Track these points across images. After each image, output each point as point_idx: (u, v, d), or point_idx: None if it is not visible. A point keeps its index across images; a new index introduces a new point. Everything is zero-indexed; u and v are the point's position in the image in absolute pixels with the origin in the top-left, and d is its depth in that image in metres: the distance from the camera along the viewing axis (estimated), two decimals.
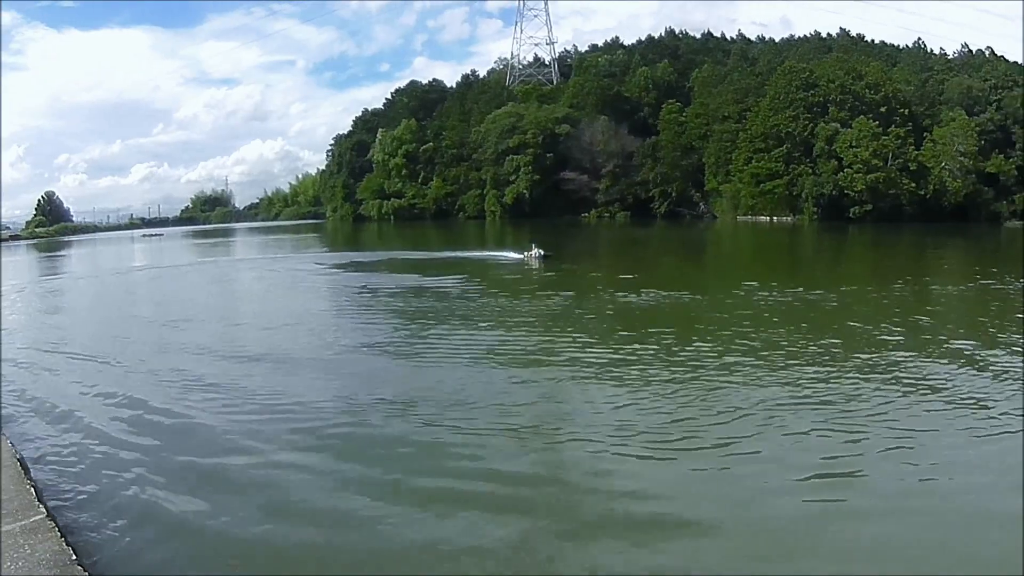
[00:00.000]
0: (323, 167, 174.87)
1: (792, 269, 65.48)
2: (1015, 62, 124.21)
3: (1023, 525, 12.93)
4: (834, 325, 33.70)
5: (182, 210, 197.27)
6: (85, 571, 11.68)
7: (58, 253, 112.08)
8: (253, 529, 14.48)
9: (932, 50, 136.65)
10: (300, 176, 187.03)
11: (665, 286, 47.50)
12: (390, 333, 34.19)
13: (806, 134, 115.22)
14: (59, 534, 12.70)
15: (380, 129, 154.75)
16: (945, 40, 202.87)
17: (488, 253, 74.77)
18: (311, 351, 30.45)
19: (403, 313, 40.32)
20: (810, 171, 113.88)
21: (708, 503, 14.98)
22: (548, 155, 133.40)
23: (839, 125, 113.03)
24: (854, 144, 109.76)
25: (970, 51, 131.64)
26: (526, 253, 64.17)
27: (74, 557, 11.97)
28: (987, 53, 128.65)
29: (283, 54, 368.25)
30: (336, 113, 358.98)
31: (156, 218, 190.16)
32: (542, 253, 62.94)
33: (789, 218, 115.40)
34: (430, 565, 13.01)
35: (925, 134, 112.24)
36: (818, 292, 45.57)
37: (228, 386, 25.15)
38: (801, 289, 45.67)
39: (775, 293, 43.72)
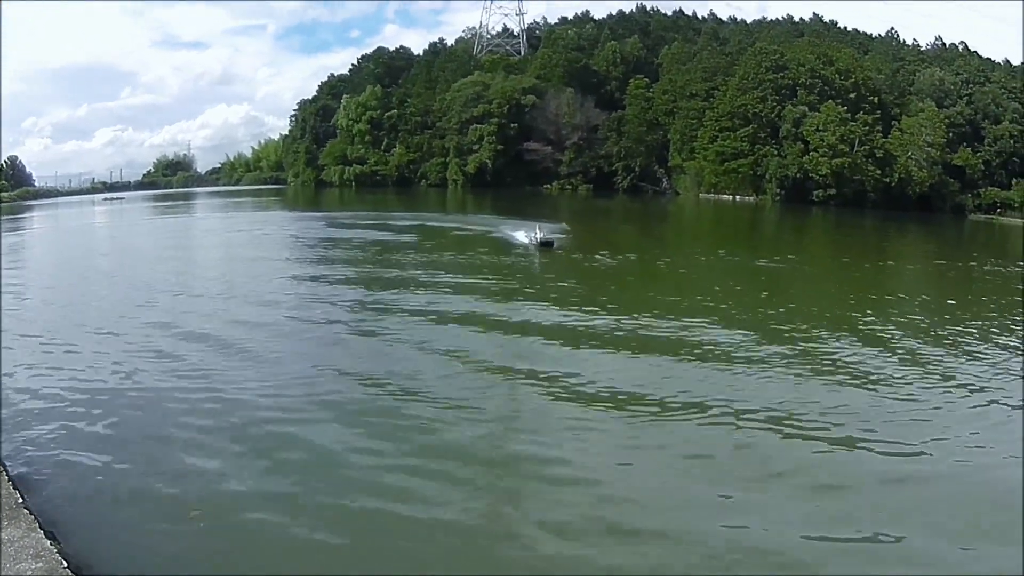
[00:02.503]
0: (287, 132, 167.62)
1: (757, 242, 68.46)
2: (988, 58, 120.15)
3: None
4: (789, 290, 39.88)
5: (144, 174, 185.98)
6: (31, 513, 12.44)
7: (19, 216, 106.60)
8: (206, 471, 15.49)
9: (905, 41, 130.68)
10: (263, 141, 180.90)
11: (637, 250, 55.32)
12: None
13: (773, 116, 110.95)
14: (7, 478, 13.90)
15: (345, 95, 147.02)
16: (918, 32, 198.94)
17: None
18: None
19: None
20: (775, 152, 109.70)
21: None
22: (512, 125, 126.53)
23: (807, 108, 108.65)
24: (821, 128, 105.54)
25: (943, 44, 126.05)
26: (532, 236, 53.18)
27: (21, 500, 12.92)
28: (960, 47, 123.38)
29: (253, 18, 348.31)
30: (304, 79, 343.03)
31: (118, 182, 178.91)
32: (539, 237, 51.70)
33: (752, 198, 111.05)
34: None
35: (893, 123, 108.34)
36: (780, 262, 50.87)
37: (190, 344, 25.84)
38: (773, 259, 50.91)
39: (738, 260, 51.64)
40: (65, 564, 10.83)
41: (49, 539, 11.45)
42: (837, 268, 52.07)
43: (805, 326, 29.57)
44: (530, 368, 22.73)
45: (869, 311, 33.31)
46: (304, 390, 20.47)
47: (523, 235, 56.02)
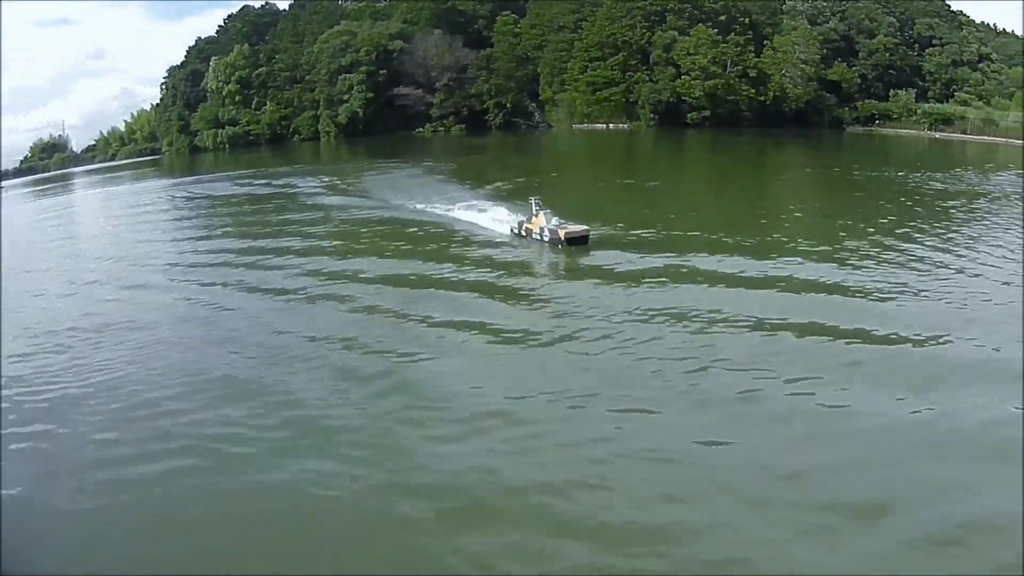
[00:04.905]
0: (159, 101, 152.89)
1: (634, 165, 71.76)
2: None
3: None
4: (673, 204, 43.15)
5: (21, 160, 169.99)
6: None
7: None
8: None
9: None
10: (135, 113, 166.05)
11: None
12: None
13: (643, 42, 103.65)
14: None
15: (214, 57, 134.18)
16: None
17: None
18: None
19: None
20: (647, 78, 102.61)
21: None
22: (381, 72, 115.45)
23: (677, 33, 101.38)
24: (692, 52, 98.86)
25: None
26: (525, 224, 34.78)
27: None
28: None
29: None
30: (174, 46, 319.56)
31: None
32: (558, 224, 32.82)
33: (625, 124, 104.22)
34: None
35: (766, 42, 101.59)
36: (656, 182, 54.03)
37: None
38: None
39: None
40: None
41: None
42: (716, 184, 56.05)
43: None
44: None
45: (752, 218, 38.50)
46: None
47: (492, 219, 38.59)
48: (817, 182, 56.49)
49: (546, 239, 32.68)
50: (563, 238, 31.82)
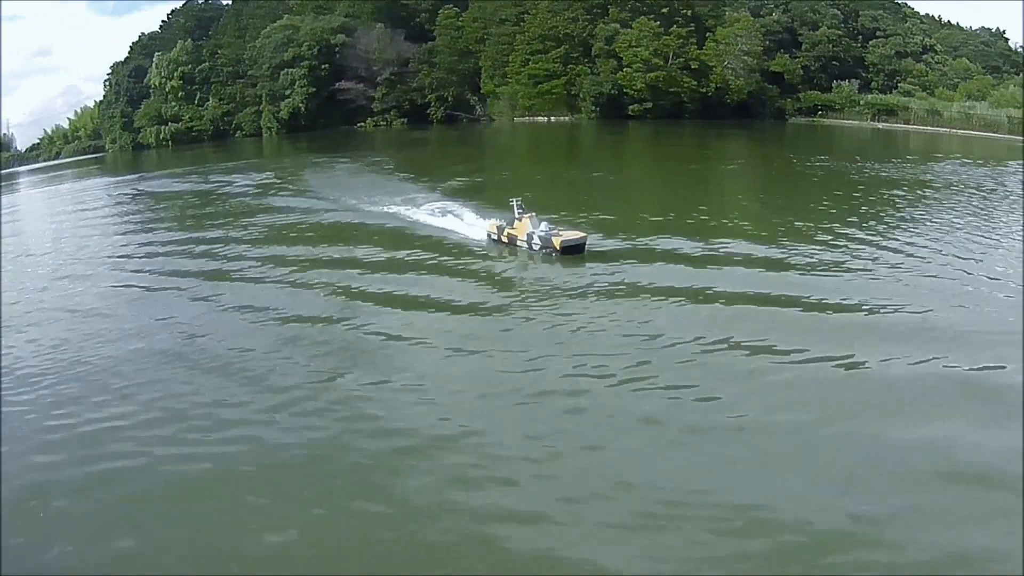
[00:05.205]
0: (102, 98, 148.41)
1: (576, 157, 71.99)
2: None
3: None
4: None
5: None
6: None
7: None
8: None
9: None
10: (79, 110, 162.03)
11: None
12: None
13: (585, 35, 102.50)
14: None
15: (157, 53, 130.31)
16: None
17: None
18: None
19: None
20: (589, 71, 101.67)
21: None
22: (324, 66, 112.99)
23: (619, 26, 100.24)
24: (634, 44, 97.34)
25: None
26: (507, 229, 30.91)
27: None
28: None
29: None
30: (119, 42, 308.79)
31: None
32: (549, 230, 29.30)
33: (567, 117, 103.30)
34: None
35: (708, 34, 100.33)
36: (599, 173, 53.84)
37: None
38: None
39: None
40: None
41: None
42: (659, 175, 56.77)
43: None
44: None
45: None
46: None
47: (436, 210, 36.64)
48: (758, 172, 57.87)
49: (535, 247, 29.04)
50: (557, 246, 28.30)
